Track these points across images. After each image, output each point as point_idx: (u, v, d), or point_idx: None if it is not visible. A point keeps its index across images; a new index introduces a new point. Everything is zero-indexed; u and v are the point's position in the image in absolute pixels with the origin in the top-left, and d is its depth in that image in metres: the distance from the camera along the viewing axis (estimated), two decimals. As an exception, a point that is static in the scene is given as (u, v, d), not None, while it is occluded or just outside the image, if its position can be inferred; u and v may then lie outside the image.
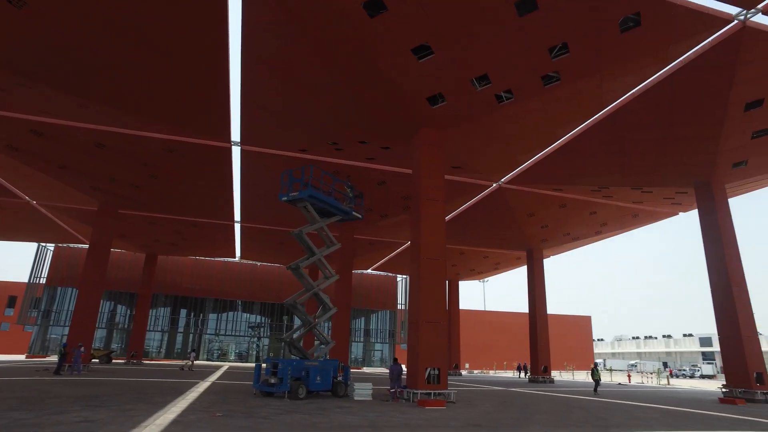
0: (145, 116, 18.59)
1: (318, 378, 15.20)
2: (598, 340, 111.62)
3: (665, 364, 74.20)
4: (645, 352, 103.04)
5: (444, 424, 9.85)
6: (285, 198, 16.73)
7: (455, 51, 14.13)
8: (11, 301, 58.46)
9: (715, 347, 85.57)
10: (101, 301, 35.24)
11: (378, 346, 57.68)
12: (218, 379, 22.84)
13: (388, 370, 48.20)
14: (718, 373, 68.51)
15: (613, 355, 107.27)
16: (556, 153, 20.62)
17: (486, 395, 18.83)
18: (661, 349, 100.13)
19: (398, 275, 57.04)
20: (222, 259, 50.98)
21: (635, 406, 15.78)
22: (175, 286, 49.71)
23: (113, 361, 38.76)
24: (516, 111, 17.19)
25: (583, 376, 49.48)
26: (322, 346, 17.74)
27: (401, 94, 16.14)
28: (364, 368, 52.23)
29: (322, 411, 11.46)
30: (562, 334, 63.34)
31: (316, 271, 38.94)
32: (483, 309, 73.17)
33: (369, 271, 51.33)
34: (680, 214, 28.02)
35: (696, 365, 72.77)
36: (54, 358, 36.90)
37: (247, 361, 52.17)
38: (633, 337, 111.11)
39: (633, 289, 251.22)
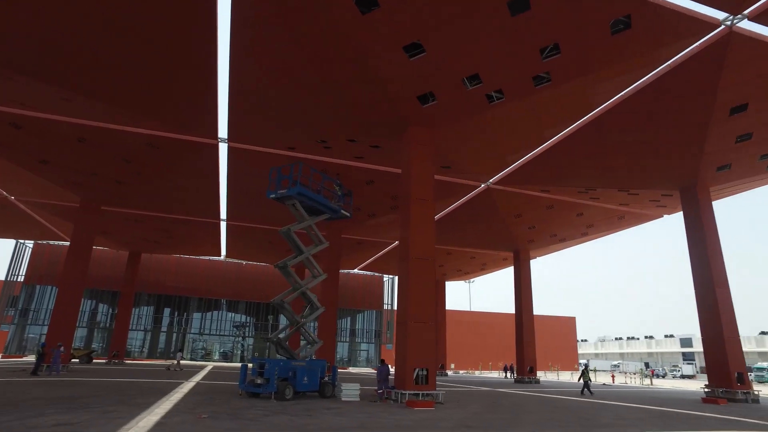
0: (131, 111, 18.16)
1: (305, 378, 14.99)
2: (582, 340, 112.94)
3: (647, 365, 75.32)
4: (627, 353, 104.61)
5: (434, 426, 9.76)
6: (273, 195, 16.49)
7: (447, 50, 14.06)
8: (-13, 300, 56.93)
9: (695, 348, 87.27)
10: (82, 299, 34.48)
11: (364, 346, 57.53)
12: (203, 379, 22.46)
13: (374, 370, 48.18)
14: (698, 373, 69.83)
15: (597, 355, 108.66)
16: (544, 154, 20.70)
17: (473, 396, 18.82)
18: (643, 349, 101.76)
19: (385, 275, 56.96)
20: (207, 257, 50.33)
21: (621, 406, 15.90)
22: (158, 285, 48.93)
23: (94, 360, 37.94)
24: (506, 111, 17.20)
25: (568, 377, 49.94)
26: (309, 345, 17.53)
27: (392, 92, 16.03)
28: (350, 368, 52.01)
29: (309, 412, 11.28)
30: (547, 334, 63.84)
31: (303, 270, 38.67)
32: (469, 309, 73.46)
33: (355, 270, 51.15)
34: (665, 216, 28.41)
35: (677, 365, 74.09)
36: (31, 358, 35.97)
37: (231, 361, 51.58)
38: (616, 338, 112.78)
39: (616, 291, 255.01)
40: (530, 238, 33.15)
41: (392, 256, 40.42)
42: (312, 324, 22.84)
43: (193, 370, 30.32)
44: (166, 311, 50.61)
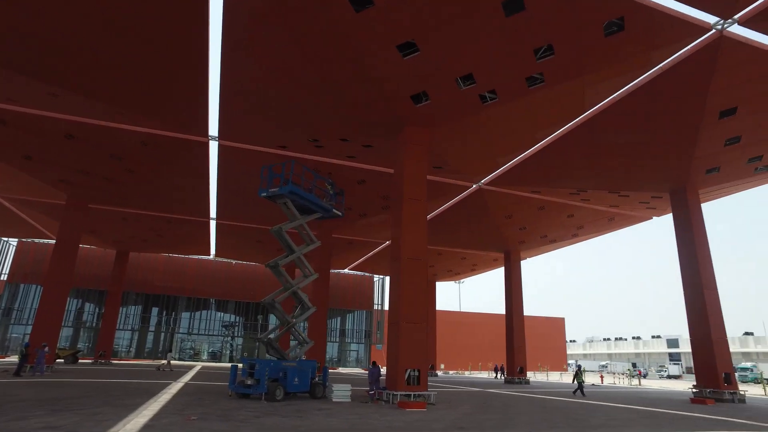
0: (120, 107, 17.85)
1: (296, 379, 14.85)
2: (571, 341, 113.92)
3: (634, 365, 76.19)
4: (615, 353, 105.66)
5: (427, 427, 9.69)
6: (265, 194, 16.30)
7: (440, 49, 14.01)
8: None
9: (682, 348, 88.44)
10: (68, 298, 33.91)
11: (354, 347, 57.41)
12: (191, 379, 22.18)
13: (363, 371, 48.00)
14: (684, 373, 70.82)
15: (585, 356, 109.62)
16: (536, 155, 20.76)
17: (464, 396, 18.80)
18: (631, 350, 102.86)
19: (375, 275, 56.88)
20: (196, 256, 49.85)
21: (612, 407, 15.97)
22: (146, 284, 48.36)
23: (80, 361, 37.34)
24: (499, 112, 17.21)
25: (557, 377, 50.25)
26: (300, 346, 17.38)
27: (387, 92, 15.94)
28: (340, 368, 51.85)
29: (301, 413, 11.15)
30: (536, 335, 64.16)
31: (293, 270, 38.45)
32: (458, 310, 73.62)
33: (346, 270, 51.00)
34: (653, 218, 28.68)
35: (663, 366, 75.04)
36: (14, 359, 35.29)
37: (220, 361, 51.14)
38: (604, 339, 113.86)
39: (604, 292, 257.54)
40: (521, 239, 33.27)
41: (383, 256, 40.35)
42: (302, 324, 22.65)
43: (182, 371, 29.96)
44: (154, 310, 50.06)
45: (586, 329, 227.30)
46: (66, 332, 44.92)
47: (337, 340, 56.32)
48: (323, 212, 17.90)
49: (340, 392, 14.86)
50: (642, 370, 67.96)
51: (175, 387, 17.32)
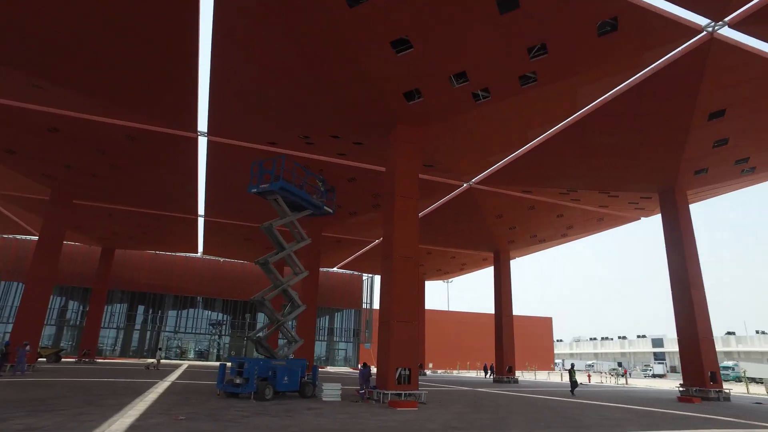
0: (107, 101, 17.46)
1: (285, 378, 14.66)
2: (558, 340, 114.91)
3: (620, 364, 77.15)
4: (601, 353, 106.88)
5: (421, 427, 9.59)
6: (255, 190, 16.05)
7: (435, 46, 13.92)
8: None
9: (666, 348, 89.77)
10: (51, 296, 33.22)
11: (342, 345, 57.22)
12: (178, 378, 21.83)
13: (352, 370, 47.79)
14: (668, 372, 71.88)
15: (572, 355, 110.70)
16: (527, 154, 20.79)
17: (455, 396, 18.76)
18: (617, 349, 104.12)
19: (364, 274, 56.72)
20: (183, 254, 49.22)
21: (602, 405, 16.05)
22: (132, 282, 47.63)
23: (63, 360, 36.62)
24: (491, 111, 17.18)
25: (545, 376, 50.59)
26: (289, 344, 17.17)
27: (378, 88, 15.80)
28: (328, 367, 51.64)
29: (291, 413, 10.99)
30: (524, 334, 64.54)
31: (282, 268, 38.12)
32: (446, 309, 73.79)
33: (334, 269, 50.78)
34: (642, 219, 28.95)
35: (648, 365, 76.06)
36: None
37: (207, 360, 50.59)
38: (590, 338, 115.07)
39: (591, 292, 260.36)
40: (511, 238, 33.37)
41: (372, 254, 40.22)
42: (290, 322, 22.36)
43: (168, 369, 29.53)
44: (140, 309, 49.34)
45: (573, 329, 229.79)
46: (49, 330, 44.04)
47: (325, 339, 56.09)
48: (314, 209, 17.71)
49: (330, 391, 14.70)
50: (627, 369, 68.88)
51: (162, 386, 17.02)
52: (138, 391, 14.45)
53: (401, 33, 13.37)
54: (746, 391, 31.31)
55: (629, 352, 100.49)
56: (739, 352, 77.77)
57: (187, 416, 9.67)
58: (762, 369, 55.88)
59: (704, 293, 21.56)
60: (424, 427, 9.64)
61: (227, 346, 52.14)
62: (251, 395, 13.67)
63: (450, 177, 23.69)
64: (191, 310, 51.11)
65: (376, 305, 58.19)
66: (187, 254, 49.08)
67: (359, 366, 52.05)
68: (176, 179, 24.80)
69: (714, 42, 14.04)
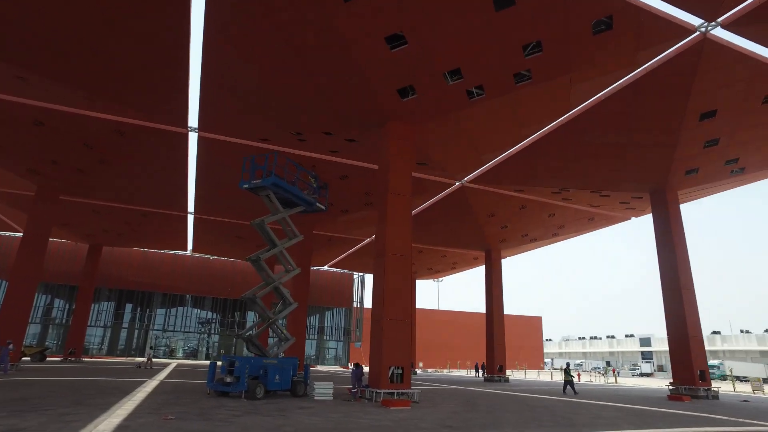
0: (95, 94, 17.10)
1: (277, 377, 14.46)
2: (547, 340, 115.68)
3: (608, 363, 77.90)
4: (590, 352, 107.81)
5: (416, 426, 9.47)
6: (247, 185, 15.80)
7: (429, 42, 13.81)
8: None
9: (654, 347, 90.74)
10: (36, 294, 32.61)
11: (332, 344, 57.06)
12: (167, 377, 21.50)
13: (342, 369, 47.56)
14: (655, 371, 72.72)
15: (561, 354, 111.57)
16: (520, 153, 20.79)
17: (447, 394, 18.69)
18: (605, 348, 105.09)
19: (354, 272, 56.55)
20: (172, 251, 48.66)
21: (594, 404, 16.07)
22: (120, 279, 47.01)
23: (48, 359, 35.98)
24: (485, 108, 17.12)
25: (535, 375, 50.86)
26: (281, 343, 16.97)
27: (372, 84, 15.65)
28: (318, 366, 51.45)
29: (283, 412, 10.81)
30: (514, 333, 64.85)
31: (272, 266, 37.81)
32: (437, 308, 73.87)
33: (325, 267, 50.56)
34: (632, 218, 29.13)
35: (636, 364, 76.88)
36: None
37: (196, 359, 50.10)
38: (579, 338, 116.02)
39: (579, 291, 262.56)
40: (502, 237, 33.41)
41: (363, 253, 40.07)
42: (281, 321, 22.15)
43: (157, 368, 29.13)
44: (128, 307, 48.75)
45: (562, 328, 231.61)
46: (33, 329, 43.31)
47: (316, 337, 55.87)
48: (306, 206, 17.51)
49: (322, 390, 14.53)
50: (615, 368, 69.58)
51: (151, 385, 16.72)
52: (126, 391, 14.16)
53: (396, 28, 13.24)
54: (733, 390, 31.73)
55: (617, 351, 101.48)
56: (724, 351, 78.88)
57: (177, 416, 9.45)
58: (747, 367, 56.83)
59: (694, 293, 21.74)
60: (418, 426, 9.53)
61: (216, 344, 51.70)
62: (242, 394, 13.46)
63: (442, 175, 23.61)
64: (180, 309, 50.60)
65: (367, 304, 58.13)
66: (176, 252, 48.57)
67: (350, 365, 52.02)
68: (166, 175, 24.44)
69: (707, 42, 14.11)
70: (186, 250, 42.54)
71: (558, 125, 18.67)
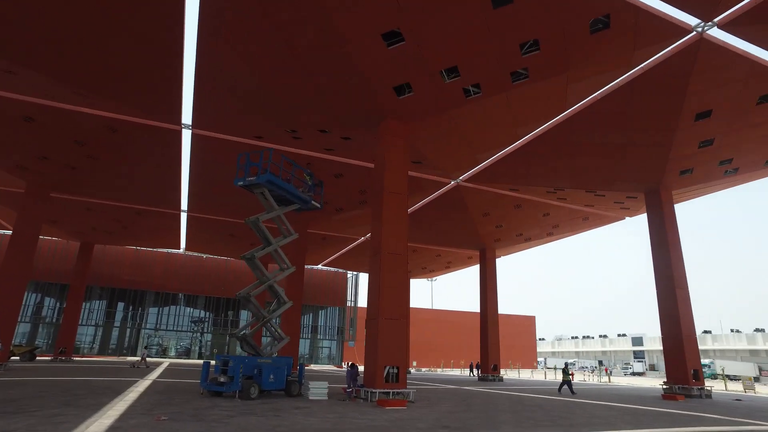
0: (85, 90, 16.81)
1: (271, 376, 14.32)
2: (540, 339, 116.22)
3: (600, 362, 78.36)
4: (583, 351, 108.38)
5: (412, 426, 9.37)
6: (241, 183, 15.61)
7: (426, 40, 13.70)
8: None
9: (646, 346, 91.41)
10: (26, 292, 32.16)
11: (326, 343, 56.90)
12: (159, 377, 21.26)
13: (335, 367, 47.40)
14: (647, 370, 73.24)
15: (554, 354, 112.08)
16: (515, 153, 20.76)
17: (442, 394, 18.62)
18: (598, 348, 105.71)
19: (348, 271, 56.40)
20: (165, 250, 48.26)
21: (590, 404, 16.06)
22: (112, 278, 46.58)
23: (38, 358, 35.53)
24: (482, 107, 17.05)
25: (528, 375, 51.00)
26: (275, 342, 16.81)
27: (368, 82, 15.52)
28: (312, 365, 51.25)
29: (278, 412, 10.68)
30: (508, 333, 65.02)
31: (267, 264, 37.60)
32: (430, 307, 73.84)
33: (319, 266, 50.38)
34: (626, 218, 29.22)
35: (628, 363, 77.37)
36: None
37: (189, 358, 49.74)
38: (572, 337, 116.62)
39: (572, 291, 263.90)
40: (497, 237, 33.41)
41: (357, 252, 39.94)
42: (275, 320, 22.00)
43: (151, 367, 28.84)
44: (120, 305, 48.29)
45: (555, 328, 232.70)
46: (23, 328, 42.80)
47: (309, 336, 55.67)
48: (301, 203, 17.34)
49: (317, 390, 14.40)
50: (608, 367, 70.02)
51: (143, 385, 16.51)
52: (118, 391, 13.95)
53: (393, 25, 13.12)
54: (724, 388, 31.95)
55: (610, 351, 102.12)
56: (714, 350, 79.63)
57: (170, 416, 9.29)
58: (738, 366, 57.39)
59: (688, 293, 21.84)
60: (414, 426, 9.43)
61: (209, 343, 51.37)
62: (236, 394, 13.31)
63: (437, 174, 23.54)
64: (173, 307, 50.22)
65: (361, 303, 58.01)
66: (169, 250, 48.16)
67: (344, 364, 51.88)
68: (159, 173, 24.16)
69: (703, 42, 14.13)
70: (179, 248, 42.20)
71: (553, 124, 18.64)
